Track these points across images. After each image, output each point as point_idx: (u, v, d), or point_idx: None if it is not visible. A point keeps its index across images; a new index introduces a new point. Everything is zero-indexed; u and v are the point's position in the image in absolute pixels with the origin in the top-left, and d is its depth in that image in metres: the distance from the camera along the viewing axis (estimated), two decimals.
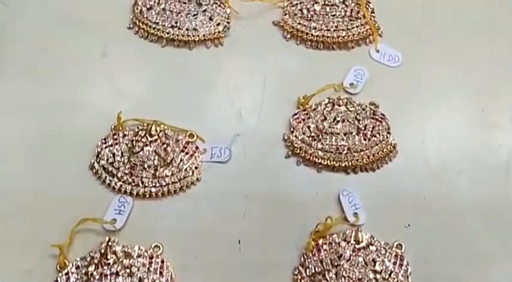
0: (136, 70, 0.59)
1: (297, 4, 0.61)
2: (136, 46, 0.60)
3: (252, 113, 0.56)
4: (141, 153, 0.52)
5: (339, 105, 0.55)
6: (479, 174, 0.53)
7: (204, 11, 0.60)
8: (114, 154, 0.52)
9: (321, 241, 0.48)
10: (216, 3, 0.61)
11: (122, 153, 0.52)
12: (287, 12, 0.61)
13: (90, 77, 0.58)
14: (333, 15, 0.60)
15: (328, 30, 0.59)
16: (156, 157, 0.52)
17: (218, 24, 0.60)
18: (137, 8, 0.61)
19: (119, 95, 0.57)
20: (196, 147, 0.53)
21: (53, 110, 0.55)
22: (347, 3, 0.61)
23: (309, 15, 0.60)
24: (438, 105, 0.57)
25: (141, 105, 0.56)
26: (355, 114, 0.54)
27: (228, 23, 0.60)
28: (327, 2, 0.61)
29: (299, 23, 0.60)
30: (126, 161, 0.51)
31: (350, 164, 0.52)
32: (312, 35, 0.59)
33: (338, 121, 0.54)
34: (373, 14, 0.61)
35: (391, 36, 0.61)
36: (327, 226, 0.48)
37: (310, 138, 0.53)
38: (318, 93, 0.55)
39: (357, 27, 0.60)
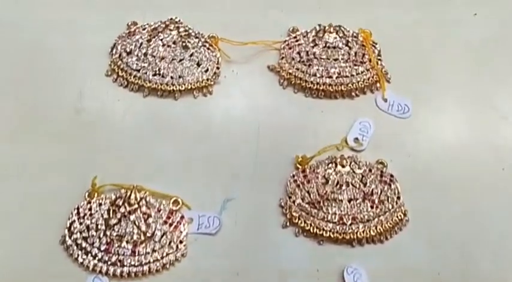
0: (115, 124, 0.52)
1: (294, 46, 0.55)
2: (115, 96, 0.54)
3: (244, 173, 0.50)
4: (118, 225, 0.47)
5: (343, 166, 0.50)
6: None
7: (191, 55, 0.54)
8: (88, 227, 0.46)
9: None
10: (204, 46, 0.55)
11: (97, 225, 0.46)
12: (283, 55, 0.55)
13: (63, 133, 0.52)
14: (335, 60, 0.54)
15: (330, 77, 0.53)
16: (136, 230, 0.46)
17: (206, 71, 0.54)
18: (116, 53, 0.55)
19: (94, 153, 0.51)
20: (182, 217, 0.47)
21: (21, 170, 0.49)
22: (350, 45, 0.55)
23: (308, 60, 0.54)
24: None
25: (119, 164, 0.50)
26: (361, 176, 0.49)
27: (218, 68, 0.54)
28: (328, 44, 0.55)
29: (297, 69, 0.54)
30: (101, 235, 0.46)
31: (355, 235, 0.47)
32: (311, 82, 0.53)
33: (341, 185, 0.49)
34: (379, 57, 0.55)
35: (399, 82, 0.55)
36: None
37: (310, 206, 0.48)
38: (319, 155, 0.49)
39: (361, 72, 0.54)
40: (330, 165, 0.50)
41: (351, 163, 0.50)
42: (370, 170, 0.50)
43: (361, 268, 0.46)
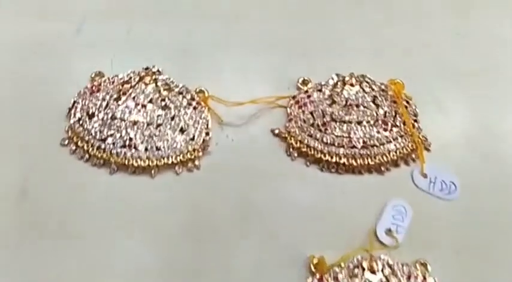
0: (71, 210, 0.40)
1: (305, 104, 0.43)
2: (72, 173, 0.41)
3: (241, 278, 0.38)
4: None
5: (373, 272, 0.38)
6: None
7: (173, 118, 0.43)
8: None
9: None
10: (190, 105, 0.43)
11: None
12: (292, 116, 0.43)
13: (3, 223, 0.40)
14: (359, 123, 0.42)
15: (353, 146, 0.41)
16: None
17: (193, 139, 0.42)
18: (74, 116, 0.43)
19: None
20: None
21: None
22: (378, 102, 0.43)
23: (324, 123, 0.42)
24: None
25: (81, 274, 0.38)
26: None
27: (208, 134, 0.42)
28: (349, 102, 0.43)
29: (309, 135, 0.42)
30: None
31: None
32: (328, 153, 0.41)
33: None
34: (415, 118, 0.43)
35: (442, 151, 0.43)
36: None
37: None
38: (341, 262, 0.37)
39: (394, 139, 0.42)
40: (356, 270, 0.39)
41: (383, 268, 0.39)
42: (409, 277, 0.39)
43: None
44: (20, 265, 0.38)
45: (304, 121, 0.43)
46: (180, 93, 0.44)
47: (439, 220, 0.41)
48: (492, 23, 0.50)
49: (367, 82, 0.44)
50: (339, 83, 0.44)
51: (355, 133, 0.42)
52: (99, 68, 0.45)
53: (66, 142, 0.42)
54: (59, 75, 0.46)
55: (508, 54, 0.48)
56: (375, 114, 0.43)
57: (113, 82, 0.44)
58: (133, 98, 0.43)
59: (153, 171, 0.41)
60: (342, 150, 0.42)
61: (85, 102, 0.43)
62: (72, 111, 0.43)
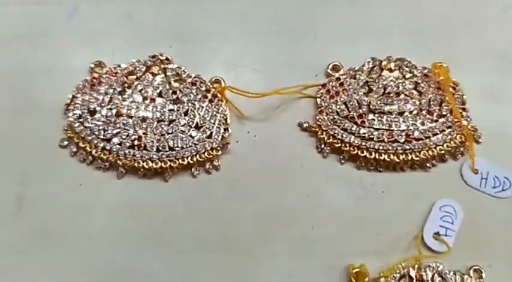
0: (75, 219, 0.37)
1: (337, 93, 0.39)
2: (72, 178, 0.38)
3: None
4: None
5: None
6: None
7: (186, 113, 0.39)
8: None
9: None
10: (205, 97, 0.39)
11: None
12: (322, 107, 0.39)
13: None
14: (400, 114, 0.39)
15: (394, 140, 0.37)
16: None
17: (210, 136, 0.39)
18: (73, 112, 0.39)
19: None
20: None
21: None
22: (422, 89, 0.39)
23: (360, 114, 0.38)
24: None
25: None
26: None
27: (227, 131, 0.39)
28: (387, 89, 0.39)
29: (343, 129, 0.38)
30: None
31: None
32: (365, 148, 0.38)
33: None
34: (463, 106, 0.39)
35: (495, 143, 0.39)
36: None
37: None
38: (386, 274, 0.34)
39: (441, 132, 0.38)
40: (403, 280, 0.36)
41: (433, 277, 0.36)
42: None
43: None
44: (18, 271, 0.36)
45: (337, 113, 0.39)
46: (194, 84, 0.40)
47: (493, 221, 0.38)
48: None
49: (407, 66, 0.40)
50: (375, 68, 0.40)
51: (396, 125, 0.38)
52: (99, 57, 0.41)
53: (66, 143, 0.39)
54: (53, 67, 0.42)
55: None
56: (418, 103, 0.39)
57: (116, 73, 0.40)
58: (140, 91, 0.39)
59: (166, 174, 0.38)
60: (381, 145, 0.38)
61: (85, 98, 0.39)
62: (71, 108, 0.39)
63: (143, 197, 0.38)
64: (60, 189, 0.38)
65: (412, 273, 0.36)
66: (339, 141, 0.39)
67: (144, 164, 0.37)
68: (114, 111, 0.39)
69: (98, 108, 0.39)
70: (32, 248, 0.36)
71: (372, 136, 0.38)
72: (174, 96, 0.39)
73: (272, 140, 0.40)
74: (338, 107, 0.39)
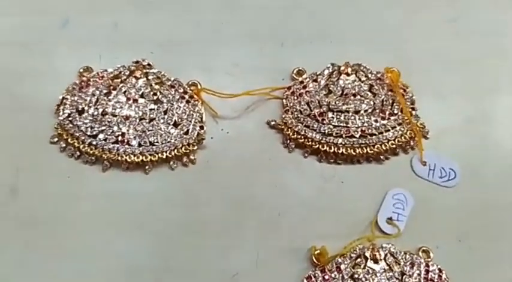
0: (64, 209, 0.40)
1: (301, 95, 0.45)
2: (62, 171, 0.42)
3: (245, 273, 0.39)
4: None
5: (376, 261, 0.39)
6: None
7: (165, 112, 0.44)
8: None
9: None
10: (183, 98, 0.44)
11: None
12: (288, 107, 0.44)
13: None
14: (356, 112, 0.44)
15: (351, 135, 0.43)
16: None
17: (187, 132, 0.43)
18: (63, 112, 0.43)
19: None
20: None
21: None
22: (375, 90, 0.45)
23: (321, 113, 0.43)
24: None
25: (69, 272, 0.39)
26: (401, 274, 0.38)
27: (202, 128, 0.43)
28: (345, 91, 0.45)
29: (306, 126, 0.44)
30: None
31: None
32: (326, 143, 0.43)
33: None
34: (413, 106, 0.45)
35: (441, 138, 0.44)
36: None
37: None
38: (344, 252, 0.39)
39: (392, 128, 0.43)
40: (359, 259, 0.40)
41: (386, 256, 0.41)
42: (412, 265, 0.40)
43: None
44: (9, 264, 0.39)
45: (301, 112, 0.44)
46: (172, 86, 0.45)
47: (440, 207, 0.43)
48: (488, 9, 0.51)
49: (362, 71, 0.46)
50: (334, 73, 0.46)
51: (352, 122, 0.43)
52: (87, 63, 0.46)
53: (56, 139, 0.43)
54: (45, 72, 0.46)
55: (504, 39, 0.50)
56: (372, 103, 0.44)
57: (102, 77, 0.45)
58: (124, 92, 0.44)
59: (147, 167, 0.42)
60: (340, 140, 0.43)
61: (74, 98, 0.44)
62: (61, 108, 0.43)
63: (126, 187, 0.42)
64: (50, 181, 0.42)
65: (367, 253, 0.40)
66: (302, 137, 0.43)
67: (127, 157, 0.42)
68: (100, 110, 0.43)
69: (86, 108, 0.43)
70: (24, 234, 0.40)
71: (331, 132, 0.43)
72: (155, 97, 0.44)
73: (243, 136, 0.45)
74: (301, 106, 0.45)
